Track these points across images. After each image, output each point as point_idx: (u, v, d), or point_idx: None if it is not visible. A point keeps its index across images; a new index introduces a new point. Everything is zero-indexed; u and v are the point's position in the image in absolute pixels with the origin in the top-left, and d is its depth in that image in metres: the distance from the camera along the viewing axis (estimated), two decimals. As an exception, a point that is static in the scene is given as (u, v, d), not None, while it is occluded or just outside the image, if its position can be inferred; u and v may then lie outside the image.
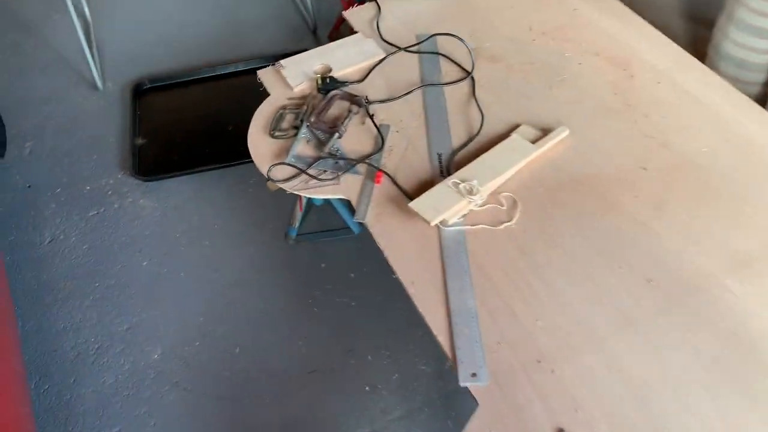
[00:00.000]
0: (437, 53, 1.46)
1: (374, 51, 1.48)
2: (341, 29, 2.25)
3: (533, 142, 1.24)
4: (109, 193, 1.83)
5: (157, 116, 2.06)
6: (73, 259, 1.72)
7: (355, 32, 1.56)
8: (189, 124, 2.05)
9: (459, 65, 1.44)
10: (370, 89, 1.40)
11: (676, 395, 0.91)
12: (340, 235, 1.75)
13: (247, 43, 2.37)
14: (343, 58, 1.47)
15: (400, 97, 1.37)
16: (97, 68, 2.16)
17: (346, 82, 1.41)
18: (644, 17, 1.55)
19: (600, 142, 1.25)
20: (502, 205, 1.16)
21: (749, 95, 1.69)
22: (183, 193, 1.88)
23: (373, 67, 1.45)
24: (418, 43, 1.49)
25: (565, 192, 1.17)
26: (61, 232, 1.76)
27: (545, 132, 1.26)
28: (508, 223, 1.13)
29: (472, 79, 1.40)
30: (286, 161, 1.25)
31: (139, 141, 2.00)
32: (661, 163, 1.20)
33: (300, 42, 2.31)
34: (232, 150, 1.97)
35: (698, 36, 2.01)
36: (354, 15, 1.59)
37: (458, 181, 1.15)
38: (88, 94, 2.21)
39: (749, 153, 1.21)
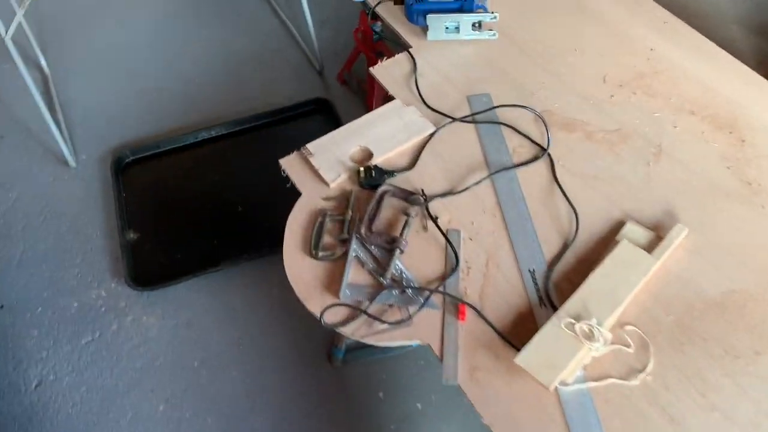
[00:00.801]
0: (499, 123, 1.19)
1: (420, 124, 1.20)
2: (353, 69, 1.94)
3: (646, 248, 0.99)
4: (103, 309, 1.51)
5: (147, 199, 1.72)
6: (70, 409, 1.38)
7: (387, 94, 1.28)
8: (188, 207, 1.71)
9: (527, 137, 1.17)
10: (424, 178, 1.13)
11: None
12: (395, 350, 1.47)
13: (244, 90, 2.00)
14: (382, 136, 1.19)
15: (465, 189, 1.10)
16: (64, 137, 1.80)
17: (394, 171, 1.13)
18: (702, 32, 1.31)
19: (726, 241, 1.01)
20: (629, 346, 0.92)
21: None
22: (194, 304, 1.55)
23: (423, 147, 1.17)
24: (474, 114, 1.21)
25: (702, 319, 0.93)
26: (50, 370, 1.43)
27: (658, 231, 1.01)
28: (642, 375, 0.89)
29: (549, 156, 1.14)
30: (340, 299, 0.99)
31: (131, 235, 1.65)
32: (811, 269, 0.97)
33: (305, 85, 1.97)
34: (246, 239, 1.64)
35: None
36: (384, 72, 1.30)
37: (572, 321, 0.90)
38: (58, 172, 1.82)
39: None
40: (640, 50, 1.29)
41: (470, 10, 1.30)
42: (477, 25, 1.31)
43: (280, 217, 1.09)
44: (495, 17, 1.28)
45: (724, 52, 1.28)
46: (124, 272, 1.54)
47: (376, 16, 1.44)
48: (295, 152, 1.17)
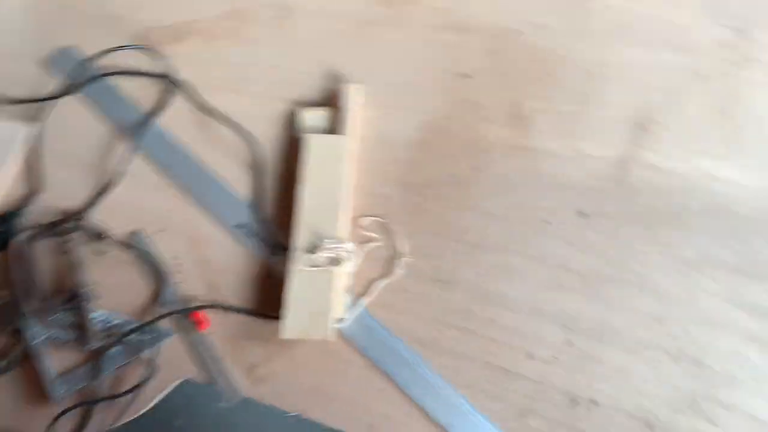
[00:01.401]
0: (100, 76, 0.93)
1: (8, 131, 0.89)
2: None
3: (333, 129, 0.87)
4: None
5: None
6: None
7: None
8: None
9: (142, 73, 0.93)
10: (65, 194, 0.86)
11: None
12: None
13: None
14: (-25, 173, 0.87)
15: (115, 180, 0.87)
16: None
17: (20, 208, 0.85)
18: None
19: (396, 73, 0.93)
20: (375, 240, 0.84)
21: None
22: None
23: (35, 156, 0.89)
24: (66, 83, 0.92)
25: (417, 168, 0.87)
26: None
27: (333, 103, 0.89)
28: (403, 260, 0.82)
29: (180, 84, 0.92)
30: (56, 401, 0.76)
31: None
32: (478, 56, 0.94)
33: None
34: None
35: None
36: None
37: (309, 256, 0.79)
38: None
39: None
40: None
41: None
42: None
43: None
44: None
45: None
46: None
47: None
48: None
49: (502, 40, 0.94)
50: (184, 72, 0.93)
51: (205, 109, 0.91)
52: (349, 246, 0.81)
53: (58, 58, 0.94)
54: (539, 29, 0.94)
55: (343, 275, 0.80)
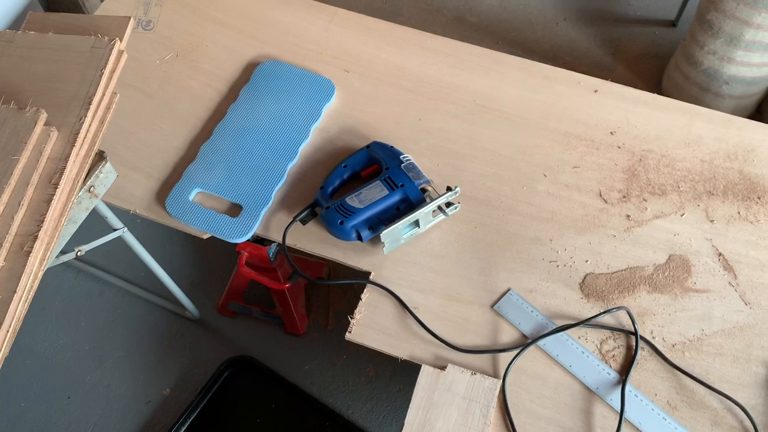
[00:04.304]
0: (559, 329, 0.91)
1: (482, 387, 0.85)
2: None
3: None
4: None
5: None
6: None
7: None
8: None
9: (607, 327, 0.91)
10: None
11: None
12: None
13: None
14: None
15: (608, 450, 0.82)
16: None
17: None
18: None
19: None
20: None
21: (749, 107, 1.51)
22: None
23: (507, 418, 0.85)
24: (534, 339, 0.89)
25: None
26: None
27: None
28: None
29: (644, 340, 0.90)
30: None
31: None
32: None
33: (191, 347, 1.41)
34: None
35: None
36: (366, 333, 0.90)
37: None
38: None
39: None
40: (603, 140, 1.08)
41: (418, 199, 0.95)
42: (438, 208, 0.97)
43: None
44: (457, 191, 0.96)
45: (685, 103, 1.11)
46: None
47: (266, 242, 1.04)
48: None
49: None
50: (642, 326, 0.91)
51: (674, 368, 0.87)
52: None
53: (504, 305, 0.93)
54: None
55: None
